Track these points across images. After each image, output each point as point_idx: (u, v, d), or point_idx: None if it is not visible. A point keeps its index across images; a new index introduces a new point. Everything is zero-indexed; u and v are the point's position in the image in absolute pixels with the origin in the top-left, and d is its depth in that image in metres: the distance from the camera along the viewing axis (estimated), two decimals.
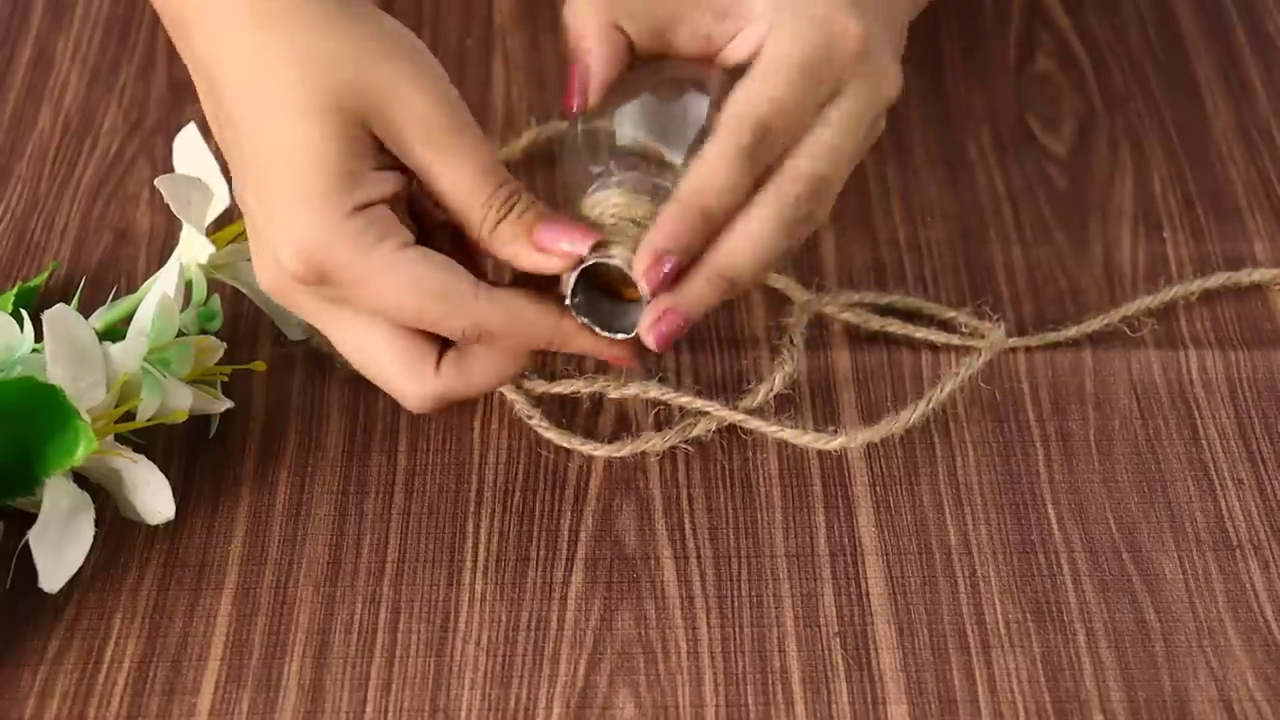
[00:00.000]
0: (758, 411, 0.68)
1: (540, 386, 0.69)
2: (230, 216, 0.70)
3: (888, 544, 0.65)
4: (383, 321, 0.60)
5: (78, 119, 0.81)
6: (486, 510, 0.66)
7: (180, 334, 0.66)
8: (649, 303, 0.59)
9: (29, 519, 0.61)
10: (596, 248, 0.59)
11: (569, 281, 0.59)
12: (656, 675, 0.61)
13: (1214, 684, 0.61)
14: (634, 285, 0.59)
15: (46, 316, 0.61)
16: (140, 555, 0.64)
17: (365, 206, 0.58)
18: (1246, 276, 0.74)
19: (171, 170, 0.71)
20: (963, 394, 0.70)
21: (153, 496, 0.63)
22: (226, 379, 0.68)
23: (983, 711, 0.60)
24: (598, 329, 0.60)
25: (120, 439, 0.64)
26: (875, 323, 0.71)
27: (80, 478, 0.63)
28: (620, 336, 0.60)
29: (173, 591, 0.63)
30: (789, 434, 0.67)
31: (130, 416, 0.63)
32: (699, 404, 0.68)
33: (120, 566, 0.64)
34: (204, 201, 0.68)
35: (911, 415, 0.67)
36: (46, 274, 0.73)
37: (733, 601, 0.63)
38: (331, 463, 0.68)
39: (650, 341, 0.59)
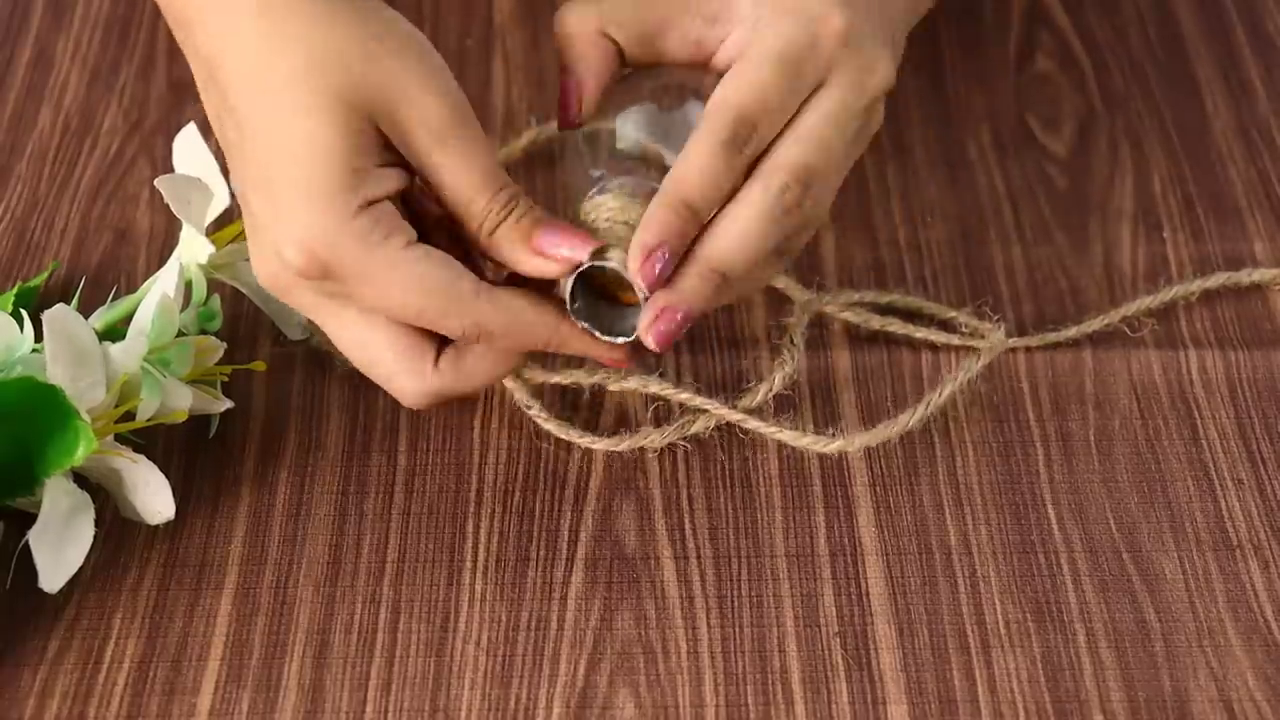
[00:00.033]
0: (757, 411, 0.68)
1: (540, 376, 0.69)
2: (230, 216, 0.70)
3: (888, 544, 0.65)
4: (383, 318, 0.60)
5: (78, 119, 0.81)
6: (486, 510, 0.66)
7: (180, 334, 0.66)
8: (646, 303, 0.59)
9: (29, 519, 0.61)
10: (595, 254, 0.59)
11: (567, 287, 0.59)
12: (656, 675, 0.61)
13: (1214, 684, 0.61)
14: (631, 289, 0.59)
15: (46, 316, 0.61)
16: (140, 555, 0.64)
17: (370, 204, 0.58)
18: (1246, 276, 0.74)
19: (171, 170, 0.71)
20: (963, 394, 0.69)
21: (153, 496, 0.63)
22: (226, 379, 0.68)
23: (983, 711, 0.60)
24: (597, 334, 0.60)
25: (120, 439, 0.64)
26: (875, 322, 0.71)
27: (80, 478, 0.63)
28: (620, 340, 0.60)
29: (173, 591, 0.63)
30: (788, 435, 0.67)
31: (130, 416, 0.63)
32: (699, 401, 0.68)
33: (120, 566, 0.64)
34: (204, 201, 0.68)
35: (910, 419, 0.67)
36: (46, 274, 0.73)
37: (733, 601, 0.63)
38: (331, 462, 0.67)
39: (650, 341, 0.59)
